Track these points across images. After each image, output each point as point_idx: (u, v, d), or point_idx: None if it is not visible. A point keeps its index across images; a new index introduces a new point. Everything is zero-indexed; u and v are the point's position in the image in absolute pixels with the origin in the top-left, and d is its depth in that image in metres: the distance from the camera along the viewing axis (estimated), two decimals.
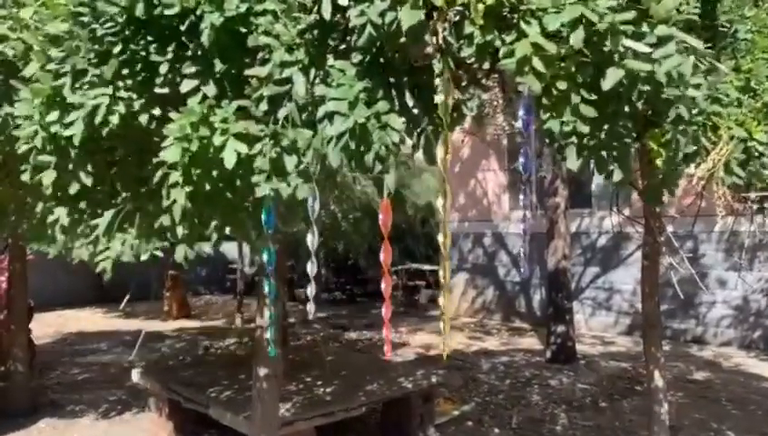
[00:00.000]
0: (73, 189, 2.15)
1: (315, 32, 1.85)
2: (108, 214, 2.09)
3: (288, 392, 4.70)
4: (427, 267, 13.07)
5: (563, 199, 7.89)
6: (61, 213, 2.16)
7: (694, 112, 2.16)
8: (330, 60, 1.91)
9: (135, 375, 5.65)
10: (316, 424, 4.49)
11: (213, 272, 15.43)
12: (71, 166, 2.16)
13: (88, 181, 2.14)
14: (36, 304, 7.07)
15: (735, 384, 6.66)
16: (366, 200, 9.56)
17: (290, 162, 1.80)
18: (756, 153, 2.50)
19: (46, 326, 10.09)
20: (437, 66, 1.62)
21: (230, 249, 14.01)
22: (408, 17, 1.50)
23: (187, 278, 15.01)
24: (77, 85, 1.92)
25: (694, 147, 2.31)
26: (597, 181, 9.22)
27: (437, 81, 1.73)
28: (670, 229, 3.66)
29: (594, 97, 1.73)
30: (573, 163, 1.85)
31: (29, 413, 5.79)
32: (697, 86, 2.01)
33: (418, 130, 1.97)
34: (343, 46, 1.94)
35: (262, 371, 3.60)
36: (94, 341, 9.67)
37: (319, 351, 6.11)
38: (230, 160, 1.86)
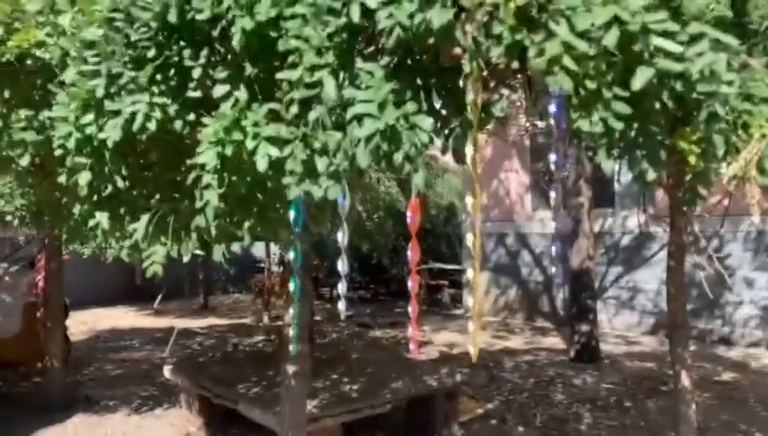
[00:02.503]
0: (107, 192, 2.21)
1: (344, 35, 1.87)
2: (144, 218, 2.15)
3: (314, 389, 4.76)
4: (450, 266, 13.07)
5: (586, 199, 7.81)
6: (101, 217, 2.22)
7: (726, 109, 2.14)
8: (358, 62, 1.94)
9: (167, 371, 5.76)
10: (342, 421, 4.54)
11: (241, 271, 15.62)
12: (104, 168, 2.22)
13: (122, 183, 2.20)
14: (70, 302, 7.25)
15: (764, 386, 6.53)
16: (390, 200, 9.59)
17: (321, 163, 1.83)
18: None
19: (80, 323, 10.35)
20: (466, 66, 1.64)
21: (257, 248, 14.18)
22: (439, 17, 1.52)
23: (215, 277, 15.27)
24: (113, 90, 1.98)
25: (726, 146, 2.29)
26: (624, 178, 9.10)
27: (466, 81, 1.74)
28: (696, 228, 3.61)
29: (625, 95, 1.73)
30: (605, 162, 1.85)
31: (64, 408, 5.94)
32: (730, 83, 1.99)
33: (447, 131, 1.98)
34: (371, 48, 1.97)
35: (291, 369, 3.65)
36: (126, 338, 9.89)
37: (346, 350, 6.15)
38: (262, 163, 1.90)
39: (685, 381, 3.69)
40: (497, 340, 9.29)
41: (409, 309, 2.17)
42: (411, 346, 2.42)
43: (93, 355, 8.52)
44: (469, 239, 1.96)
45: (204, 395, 5.24)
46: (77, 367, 7.52)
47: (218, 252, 2.41)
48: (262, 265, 12.38)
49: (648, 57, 1.73)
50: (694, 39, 1.74)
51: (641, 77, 1.72)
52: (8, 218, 4.30)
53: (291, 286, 2.21)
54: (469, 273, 2.00)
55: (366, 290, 14.65)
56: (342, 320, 9.86)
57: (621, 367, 7.44)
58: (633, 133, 1.91)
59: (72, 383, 6.64)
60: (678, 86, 1.86)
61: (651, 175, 1.93)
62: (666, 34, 1.71)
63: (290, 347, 2.35)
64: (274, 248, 11.83)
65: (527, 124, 8.82)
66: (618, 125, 1.77)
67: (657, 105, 1.97)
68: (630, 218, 9.44)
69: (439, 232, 13.75)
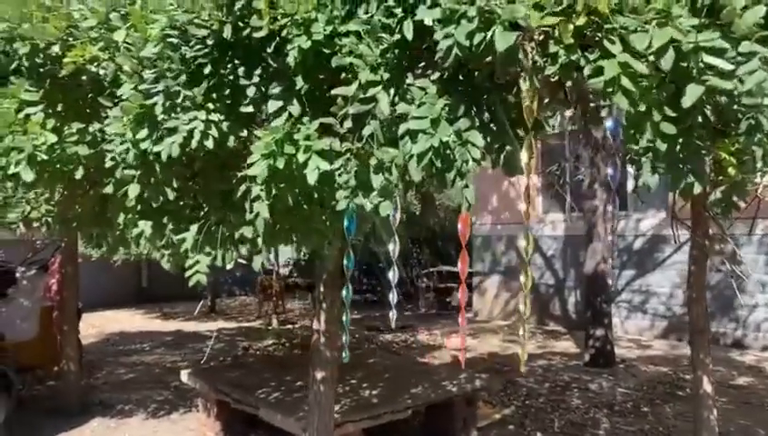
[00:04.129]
0: (158, 203, 2.25)
1: (396, 51, 1.90)
2: (193, 229, 2.18)
3: (336, 394, 4.78)
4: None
5: (601, 202, 7.84)
6: (145, 226, 2.25)
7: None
8: (410, 77, 1.97)
9: (184, 375, 5.79)
10: (364, 427, 4.56)
11: (248, 274, 15.65)
12: (153, 180, 2.26)
13: (171, 195, 2.23)
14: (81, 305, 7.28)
15: None
16: (404, 204, 9.61)
17: (376, 180, 1.86)
18: None
19: (90, 327, 10.39)
20: (523, 85, 1.67)
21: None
22: (503, 40, 1.55)
23: (222, 279, 15.29)
24: (168, 106, 2.01)
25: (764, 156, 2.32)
26: (641, 181, 9.11)
27: (522, 88, 1.76)
28: (713, 231, 3.65)
29: (674, 115, 1.76)
30: (649, 178, 1.88)
31: (80, 412, 5.98)
32: None
33: (497, 146, 2.01)
34: (422, 64, 2.00)
35: (319, 375, 3.68)
36: (137, 341, 9.92)
37: (374, 364, 6.15)
38: (312, 176, 1.94)
39: (707, 386, 3.71)
40: (510, 344, 9.31)
41: (459, 320, 2.20)
42: (461, 357, 2.44)
43: (105, 359, 8.56)
44: (521, 244, 1.99)
45: (223, 400, 5.27)
46: (90, 371, 7.56)
47: (257, 262, 2.45)
48: (270, 268, 12.41)
49: (698, 75, 1.76)
50: (744, 56, 1.77)
51: (691, 95, 1.75)
52: (35, 224, 4.33)
53: (343, 293, 2.23)
54: (522, 279, 2.02)
55: (374, 293, 14.67)
56: (393, 327, 9.88)
57: (636, 371, 7.46)
58: (678, 149, 1.94)
59: (86, 387, 6.67)
60: (722, 100, 1.89)
61: (697, 189, 1.96)
62: (716, 52, 1.74)
63: (344, 354, 2.39)
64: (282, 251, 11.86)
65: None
66: (663, 146, 1.80)
67: (700, 119, 2.00)
68: (643, 221, 9.46)
69: (448, 234, 13.78)
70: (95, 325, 10.97)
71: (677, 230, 3.26)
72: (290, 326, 11.24)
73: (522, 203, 11.27)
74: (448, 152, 1.82)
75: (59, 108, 2.35)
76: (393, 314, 2.20)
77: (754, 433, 5.23)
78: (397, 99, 1.92)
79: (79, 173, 2.32)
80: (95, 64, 2.09)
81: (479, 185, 11.65)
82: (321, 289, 3.58)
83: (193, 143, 1.91)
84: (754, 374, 7.22)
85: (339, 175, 2.00)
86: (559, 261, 10.84)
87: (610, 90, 1.60)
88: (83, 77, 2.16)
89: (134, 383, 7.22)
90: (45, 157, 2.20)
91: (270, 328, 10.86)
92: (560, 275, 10.84)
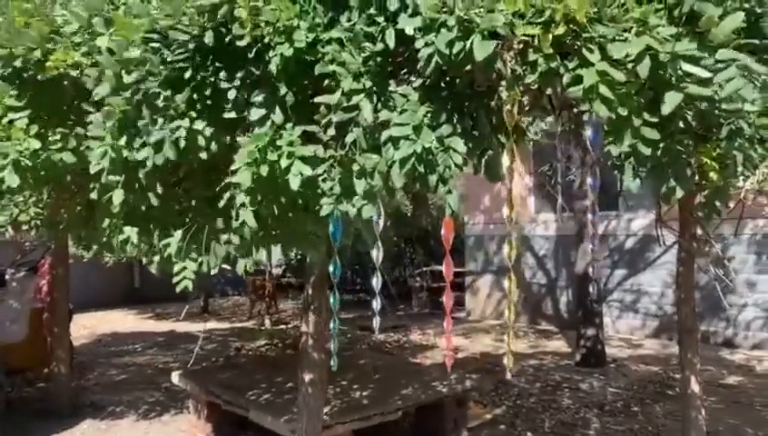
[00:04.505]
0: (141, 209, 2.25)
1: (378, 59, 1.91)
2: (177, 234, 2.19)
3: (325, 396, 4.79)
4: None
5: (592, 202, 7.87)
6: (131, 231, 2.25)
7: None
8: (392, 85, 1.98)
9: (175, 377, 5.79)
10: (354, 428, 4.57)
11: (241, 275, 15.62)
12: (138, 186, 2.26)
13: (155, 201, 2.23)
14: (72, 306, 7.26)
15: None
16: (395, 204, 9.62)
17: (359, 186, 1.87)
18: None
19: (81, 328, 10.34)
20: (503, 92, 1.68)
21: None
22: (482, 49, 1.57)
23: (214, 280, 15.24)
24: (148, 111, 2.01)
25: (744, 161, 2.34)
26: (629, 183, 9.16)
27: (503, 95, 1.78)
28: (700, 233, 3.68)
29: (654, 120, 1.78)
30: (631, 181, 1.90)
31: (71, 414, 5.96)
32: (753, 102, 2.04)
33: (479, 151, 2.03)
34: (404, 71, 2.01)
35: (307, 377, 3.69)
36: (129, 342, 9.89)
37: (364, 365, 6.15)
38: (295, 182, 1.95)
39: (695, 385, 3.74)
40: (502, 343, 9.34)
41: (444, 324, 2.21)
42: (447, 361, 2.45)
43: (96, 360, 8.53)
44: (506, 250, 2.01)
45: (213, 401, 5.27)
46: (81, 372, 7.53)
47: (241, 266, 2.45)
48: (263, 268, 12.39)
49: (677, 82, 1.78)
50: (721, 64, 1.79)
51: (670, 102, 1.77)
52: (24, 227, 4.32)
53: (331, 300, 2.24)
54: (506, 284, 2.05)
55: (367, 292, 14.67)
56: (376, 333, 9.89)
57: (627, 371, 7.50)
58: (659, 153, 1.96)
59: (77, 389, 6.65)
60: (703, 106, 1.91)
61: (679, 193, 1.98)
62: (694, 60, 1.76)
63: (332, 362, 2.39)
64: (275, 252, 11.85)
65: (530, 129, 8.88)
66: (646, 151, 1.82)
67: (682, 124, 2.02)
68: (634, 221, 9.51)
69: (440, 234, 13.77)
70: (87, 326, 10.93)
71: (662, 233, 3.28)
72: (282, 326, 11.23)
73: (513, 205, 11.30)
74: (431, 157, 1.83)
75: (42, 114, 2.35)
76: (377, 321, 2.21)
77: (743, 432, 5.27)
78: (379, 106, 1.93)
79: (64, 179, 2.31)
80: (78, 69, 2.09)
81: (471, 185, 11.68)
82: (310, 291, 3.59)
83: (171, 155, 1.91)
84: (744, 373, 7.27)
85: (324, 181, 2.01)
86: (551, 260, 10.88)
87: (589, 97, 1.61)
88: (66, 82, 2.16)
89: (126, 384, 7.21)
90: (29, 163, 2.20)
91: (262, 328, 10.85)
92: (552, 275, 10.88)
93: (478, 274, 12.05)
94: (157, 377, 7.41)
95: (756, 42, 2.66)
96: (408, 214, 11.89)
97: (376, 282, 2.15)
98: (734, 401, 6.17)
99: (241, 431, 5.34)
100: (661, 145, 1.95)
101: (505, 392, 6.60)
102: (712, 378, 6.98)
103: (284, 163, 1.96)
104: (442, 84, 1.95)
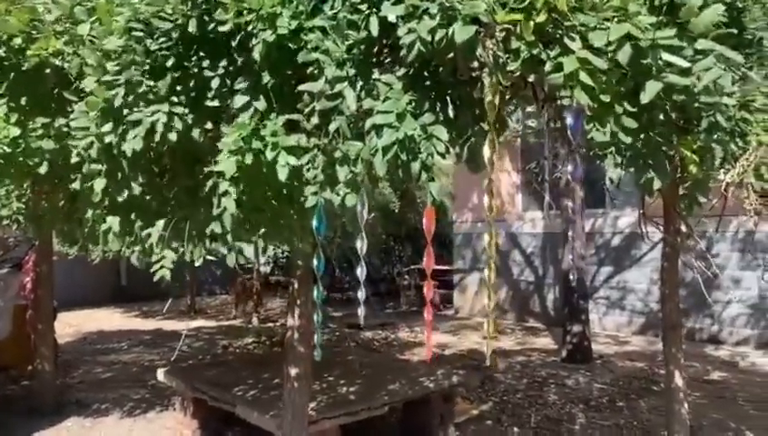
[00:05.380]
0: (123, 197, 2.23)
1: (362, 47, 1.91)
2: (159, 223, 2.17)
3: (312, 391, 4.78)
4: (440, 267, 13.13)
5: (578, 199, 7.93)
6: (113, 221, 2.24)
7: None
8: (375, 73, 1.98)
9: (160, 374, 5.75)
10: (340, 423, 4.57)
11: (228, 272, 15.54)
12: (120, 175, 2.24)
13: (138, 189, 2.22)
14: (56, 304, 7.19)
15: (753, 384, 6.68)
16: (383, 201, 9.63)
17: (341, 173, 1.87)
18: None
19: (66, 325, 10.26)
20: (486, 80, 1.69)
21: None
22: (461, 33, 1.57)
23: (202, 278, 15.17)
24: (131, 99, 1.99)
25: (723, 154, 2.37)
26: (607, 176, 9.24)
27: (485, 84, 1.79)
28: (684, 228, 3.72)
29: (634, 110, 1.79)
30: (612, 171, 1.92)
31: (55, 412, 5.90)
32: (731, 94, 2.06)
33: (462, 140, 2.03)
34: (388, 60, 2.01)
35: (293, 372, 3.68)
36: (114, 340, 9.81)
37: (351, 361, 6.15)
38: (282, 173, 1.94)
39: (678, 380, 3.78)
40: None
41: (425, 315, 2.22)
42: (427, 353, 2.45)
43: (82, 358, 8.45)
44: (486, 239, 2.01)
45: (199, 398, 5.24)
46: (66, 370, 7.46)
47: (231, 259, 2.44)
48: (250, 266, 12.34)
49: (656, 72, 1.80)
50: (700, 54, 1.82)
51: (650, 91, 1.79)
52: (5, 222, 4.27)
53: (314, 294, 2.24)
54: (485, 272, 2.05)
55: (353, 291, 14.67)
56: (361, 325, 9.87)
57: (613, 367, 7.56)
58: (640, 144, 1.98)
59: (62, 386, 6.59)
60: (682, 97, 1.93)
61: (657, 184, 2.00)
62: (674, 50, 1.78)
63: (315, 353, 2.38)
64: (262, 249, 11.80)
65: (517, 126, 8.93)
66: (627, 139, 1.83)
67: (662, 116, 2.04)
68: (621, 218, 9.58)
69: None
70: (73, 324, 10.84)
71: (646, 228, 3.31)
72: (270, 324, 11.20)
73: (498, 199, 11.36)
74: (413, 145, 1.83)
75: (23, 102, 2.33)
76: (362, 311, 2.21)
77: (727, 427, 5.33)
78: (363, 94, 1.93)
79: (44, 169, 2.29)
80: (59, 57, 2.07)
81: (459, 183, 11.72)
82: (296, 285, 3.58)
83: (156, 136, 1.90)
84: (728, 369, 7.35)
85: (308, 171, 2.01)
86: (538, 258, 10.94)
87: (570, 84, 1.63)
88: (47, 71, 2.14)
89: (111, 382, 7.15)
90: (8, 150, 2.17)
91: (249, 326, 10.81)
92: (539, 272, 10.94)
93: (467, 272, 12.09)
94: (143, 375, 7.36)
95: (737, 34, 2.71)
96: (396, 211, 11.90)
97: (360, 271, 2.15)
98: (719, 397, 6.24)
99: (227, 427, 5.32)
100: (641, 136, 1.98)
101: (491, 388, 6.63)
102: (697, 374, 7.06)
103: (270, 154, 1.96)
104: (425, 73, 1.95)
